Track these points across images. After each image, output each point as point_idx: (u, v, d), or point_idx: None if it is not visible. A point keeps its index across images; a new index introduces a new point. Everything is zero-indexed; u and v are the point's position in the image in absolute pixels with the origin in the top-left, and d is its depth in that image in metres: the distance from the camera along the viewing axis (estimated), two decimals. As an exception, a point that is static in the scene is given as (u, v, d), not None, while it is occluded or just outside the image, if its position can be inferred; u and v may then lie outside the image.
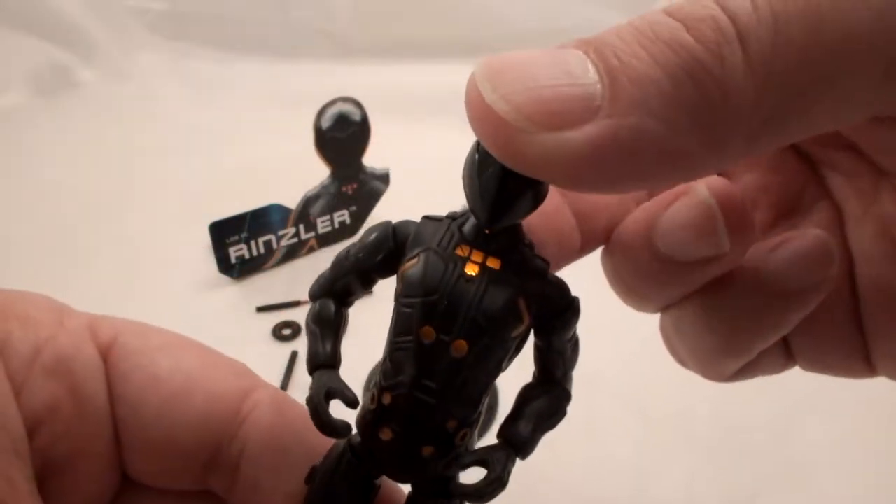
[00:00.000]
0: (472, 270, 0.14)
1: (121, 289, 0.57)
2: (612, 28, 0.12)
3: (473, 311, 0.14)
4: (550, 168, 0.11)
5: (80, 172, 0.75)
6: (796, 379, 0.55)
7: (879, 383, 0.54)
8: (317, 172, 0.59)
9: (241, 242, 0.56)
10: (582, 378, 0.57)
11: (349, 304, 0.16)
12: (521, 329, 0.15)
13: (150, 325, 0.17)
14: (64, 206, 0.69)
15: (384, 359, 0.15)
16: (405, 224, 0.15)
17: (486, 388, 0.15)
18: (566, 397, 0.16)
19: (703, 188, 0.15)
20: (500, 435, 0.16)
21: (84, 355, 0.15)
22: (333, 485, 0.16)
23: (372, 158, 0.60)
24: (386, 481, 0.16)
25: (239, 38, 0.97)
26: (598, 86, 0.11)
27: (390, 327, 0.15)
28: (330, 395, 0.15)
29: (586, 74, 0.11)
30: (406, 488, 0.17)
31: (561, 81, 0.11)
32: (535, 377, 0.16)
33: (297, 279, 0.58)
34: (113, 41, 0.95)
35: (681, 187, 0.16)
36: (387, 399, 0.15)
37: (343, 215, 0.61)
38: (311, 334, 0.16)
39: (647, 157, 0.11)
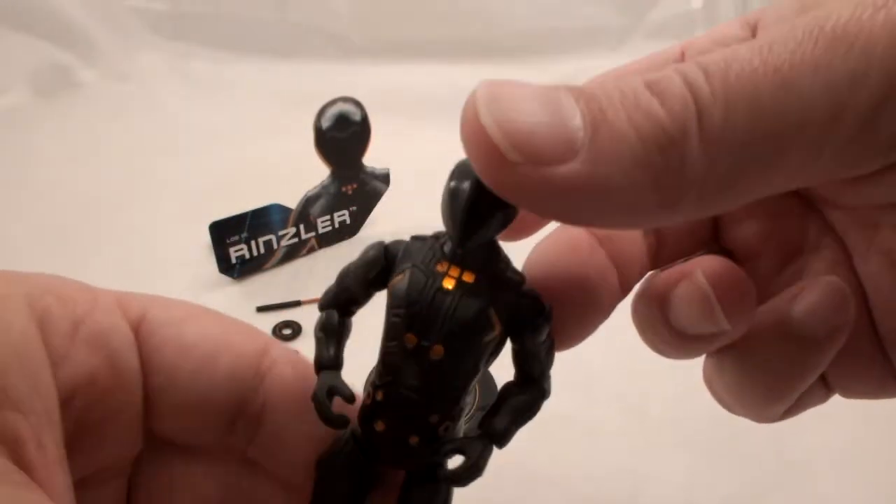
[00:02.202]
0: (448, 284, 0.16)
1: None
2: (603, 84, 0.13)
3: (448, 320, 0.16)
4: (526, 196, 0.13)
5: (80, 172, 0.75)
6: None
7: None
8: (317, 172, 0.59)
9: (241, 242, 0.56)
10: (582, 378, 0.57)
11: (351, 313, 0.19)
12: (494, 335, 0.16)
13: (172, 299, 0.19)
14: (64, 206, 0.69)
15: (378, 361, 0.17)
16: (396, 244, 0.18)
17: (464, 385, 0.17)
18: (541, 395, 0.18)
19: (700, 275, 0.17)
20: (479, 427, 0.18)
21: (118, 330, 0.17)
22: (336, 467, 0.18)
23: (372, 158, 0.60)
24: (385, 471, 0.18)
25: (239, 38, 0.97)
26: (581, 133, 0.12)
27: (383, 334, 0.17)
28: (332, 392, 0.17)
29: (573, 119, 0.12)
30: (401, 477, 0.19)
31: (551, 120, 0.12)
32: (515, 377, 0.18)
33: (298, 279, 0.58)
34: (113, 41, 0.96)
35: (685, 267, 0.18)
36: (380, 396, 0.17)
37: (343, 215, 0.61)
38: (317, 340, 0.18)
39: (609, 204, 0.13)
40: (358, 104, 0.58)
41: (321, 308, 0.18)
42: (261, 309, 0.53)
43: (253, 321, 0.55)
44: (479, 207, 0.15)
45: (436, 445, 0.17)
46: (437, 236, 0.17)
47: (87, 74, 0.93)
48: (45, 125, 0.84)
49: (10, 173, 0.75)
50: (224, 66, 0.95)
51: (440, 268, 0.16)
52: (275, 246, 0.58)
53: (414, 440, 0.17)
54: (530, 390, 0.18)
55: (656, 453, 0.45)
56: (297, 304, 0.53)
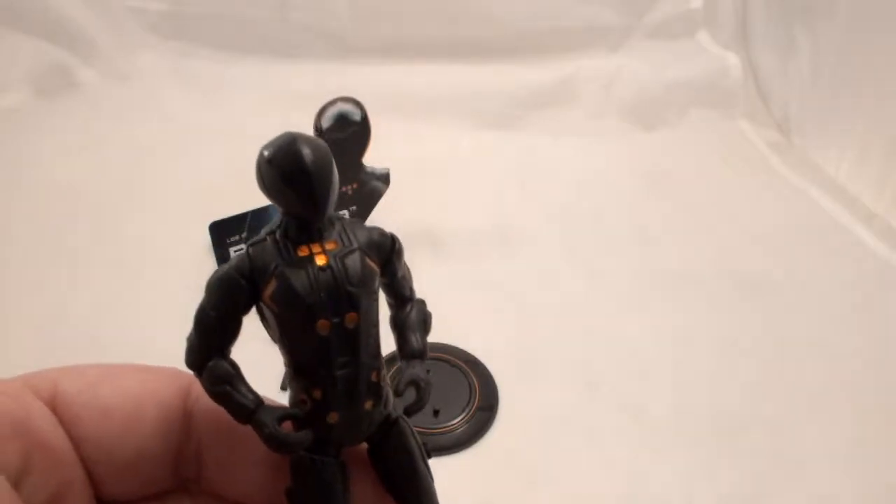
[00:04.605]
0: (321, 261, 0.16)
1: (121, 289, 0.57)
2: None
3: (345, 287, 0.16)
4: None
5: (80, 172, 0.75)
6: (796, 379, 0.55)
7: (879, 384, 0.54)
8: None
9: (241, 242, 0.56)
10: (582, 378, 0.57)
11: (230, 352, 0.17)
12: (378, 277, 0.17)
13: (83, 365, 0.18)
14: (63, 206, 0.69)
15: (292, 366, 0.17)
16: (239, 262, 0.17)
17: (378, 331, 0.17)
18: (422, 304, 0.19)
19: None
20: (403, 357, 0.19)
21: (34, 411, 0.16)
22: (317, 487, 0.17)
23: (372, 158, 0.60)
24: (347, 455, 0.18)
25: (239, 38, 0.97)
26: None
27: (284, 343, 0.17)
28: (281, 420, 0.17)
29: None
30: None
31: None
32: (392, 306, 0.19)
33: (297, 279, 0.58)
34: (113, 41, 0.95)
35: None
36: (318, 394, 0.17)
37: (343, 215, 0.61)
38: (221, 397, 0.17)
39: None
40: (358, 104, 0.58)
41: (195, 368, 0.17)
42: None
43: (253, 321, 0.55)
44: (327, 178, 0.16)
45: (385, 397, 0.18)
46: (270, 231, 0.17)
47: (87, 74, 0.93)
48: (45, 125, 0.84)
49: (8, 173, 0.75)
50: (224, 66, 0.94)
51: (302, 253, 0.16)
52: (275, 246, 0.58)
53: (368, 405, 0.17)
54: (413, 306, 0.19)
55: (656, 453, 0.45)
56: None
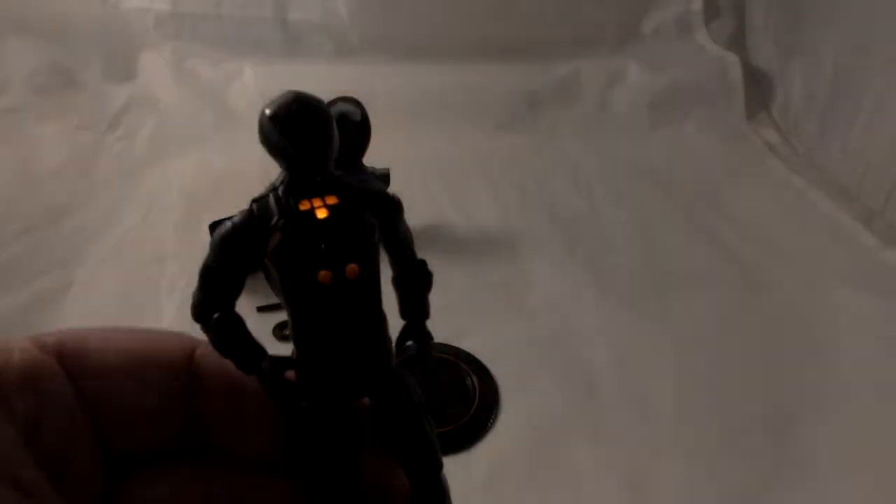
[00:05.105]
0: (322, 214, 0.17)
1: (120, 289, 0.57)
2: None
3: (347, 237, 0.17)
4: None
5: (80, 172, 0.75)
6: (797, 379, 0.55)
7: (880, 384, 0.54)
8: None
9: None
10: (582, 378, 0.57)
11: (234, 306, 0.18)
12: (377, 232, 0.18)
13: (86, 328, 0.18)
14: (63, 206, 0.69)
15: (296, 316, 0.17)
16: (243, 218, 0.17)
17: (379, 283, 0.18)
18: (423, 263, 0.19)
19: None
20: (404, 316, 0.19)
21: (43, 364, 0.17)
22: (321, 438, 0.17)
23: (372, 158, 0.60)
24: (349, 408, 0.18)
25: (239, 38, 0.97)
26: None
27: (286, 294, 0.17)
28: (284, 370, 0.17)
29: None
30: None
31: None
32: (394, 266, 0.19)
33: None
34: (113, 41, 0.95)
35: None
36: (320, 345, 0.17)
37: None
38: (226, 348, 0.17)
39: None
40: (358, 104, 0.58)
41: (201, 320, 0.17)
42: (261, 309, 0.52)
43: (253, 321, 0.55)
44: (326, 129, 0.17)
45: (388, 347, 0.18)
46: (272, 188, 0.17)
47: (87, 74, 0.93)
48: (45, 125, 0.84)
49: (8, 173, 0.75)
50: (224, 66, 0.95)
51: (303, 207, 0.17)
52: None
53: (369, 357, 0.17)
54: (416, 268, 0.19)
55: (656, 453, 0.45)
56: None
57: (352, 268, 0.17)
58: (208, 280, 0.17)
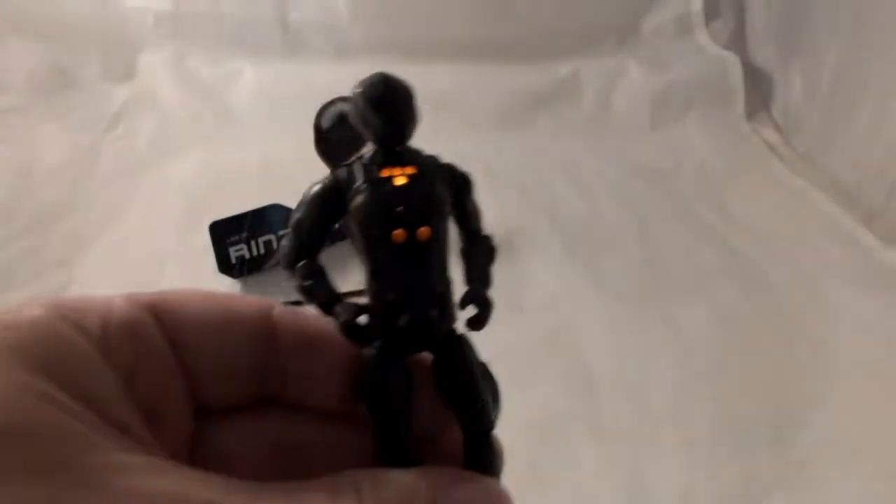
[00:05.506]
0: (401, 181, 0.19)
1: (121, 289, 0.57)
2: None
3: (421, 203, 0.19)
4: None
5: (80, 172, 0.75)
6: (797, 379, 0.55)
7: (880, 383, 0.54)
8: (316, 172, 0.59)
9: (241, 242, 0.56)
10: (582, 378, 0.57)
11: (318, 255, 0.20)
12: (449, 203, 0.19)
13: (170, 290, 0.20)
14: (63, 206, 0.69)
15: (372, 271, 0.19)
16: (331, 179, 0.20)
17: (447, 250, 0.19)
18: (490, 238, 0.21)
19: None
20: (467, 282, 0.20)
21: (141, 317, 0.18)
22: (384, 383, 0.19)
23: (372, 158, 0.60)
24: (414, 361, 0.20)
25: (239, 38, 0.97)
26: None
27: (361, 247, 0.19)
28: (357, 314, 0.19)
29: None
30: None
31: None
32: (462, 239, 0.21)
33: (298, 279, 0.58)
34: (113, 41, 0.95)
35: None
36: (391, 297, 0.19)
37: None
38: (308, 290, 0.19)
39: None
40: (358, 104, 0.58)
41: (289, 266, 0.19)
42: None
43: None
44: (409, 105, 0.19)
45: (449, 310, 0.19)
46: (358, 158, 0.19)
47: (87, 74, 0.93)
48: (45, 125, 0.84)
49: (8, 173, 0.75)
50: (224, 66, 0.94)
51: (384, 174, 0.19)
52: (275, 246, 0.58)
53: (434, 313, 0.19)
54: (482, 241, 0.21)
55: (656, 453, 0.45)
56: (297, 304, 0.53)
57: (423, 230, 0.18)
58: (298, 230, 0.20)
